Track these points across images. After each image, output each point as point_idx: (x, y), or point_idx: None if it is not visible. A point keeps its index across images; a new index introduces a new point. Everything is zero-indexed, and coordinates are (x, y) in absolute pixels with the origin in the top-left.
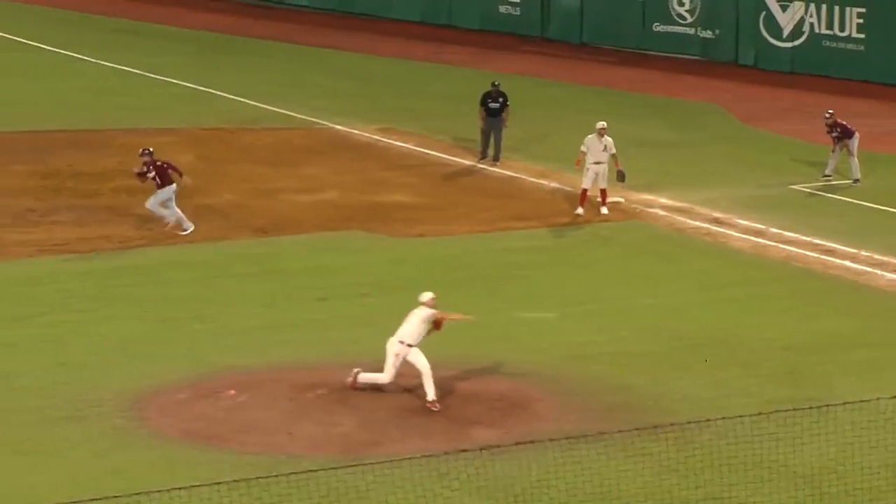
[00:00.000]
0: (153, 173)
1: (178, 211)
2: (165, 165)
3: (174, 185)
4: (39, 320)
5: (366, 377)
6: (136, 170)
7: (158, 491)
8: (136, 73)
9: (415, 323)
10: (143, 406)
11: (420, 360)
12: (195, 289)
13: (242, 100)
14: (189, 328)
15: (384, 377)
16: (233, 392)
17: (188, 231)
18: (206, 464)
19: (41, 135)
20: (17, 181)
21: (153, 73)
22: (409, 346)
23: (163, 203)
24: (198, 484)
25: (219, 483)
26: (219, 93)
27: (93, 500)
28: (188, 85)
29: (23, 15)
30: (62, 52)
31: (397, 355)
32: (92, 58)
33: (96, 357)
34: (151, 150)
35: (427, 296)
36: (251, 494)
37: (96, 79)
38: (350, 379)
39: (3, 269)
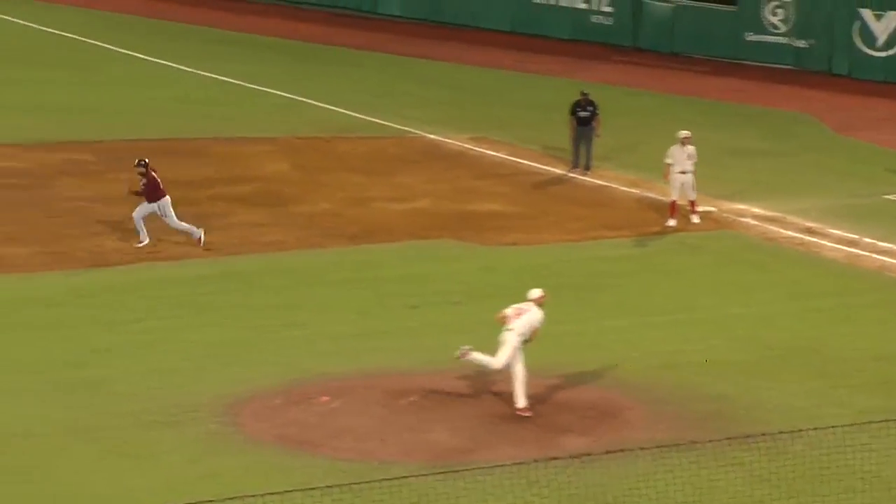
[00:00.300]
0: (144, 182)
1: (181, 223)
2: (158, 181)
3: (167, 198)
4: (135, 326)
5: (477, 357)
6: (130, 187)
7: (252, 495)
8: (232, 82)
9: (526, 321)
10: (238, 411)
11: (519, 364)
12: (288, 296)
13: (336, 109)
14: (282, 335)
15: (497, 363)
16: (326, 398)
17: (197, 237)
18: (300, 469)
19: (140, 143)
20: (118, 189)
21: (249, 83)
22: (525, 343)
23: (152, 215)
24: (291, 489)
25: (312, 488)
26: (313, 102)
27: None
28: (284, 94)
29: (123, 26)
30: (161, 61)
31: (515, 347)
32: (190, 67)
33: (190, 363)
34: (147, 161)
35: (537, 293)
36: (344, 500)
37: (194, 88)
38: (459, 353)
39: (100, 276)
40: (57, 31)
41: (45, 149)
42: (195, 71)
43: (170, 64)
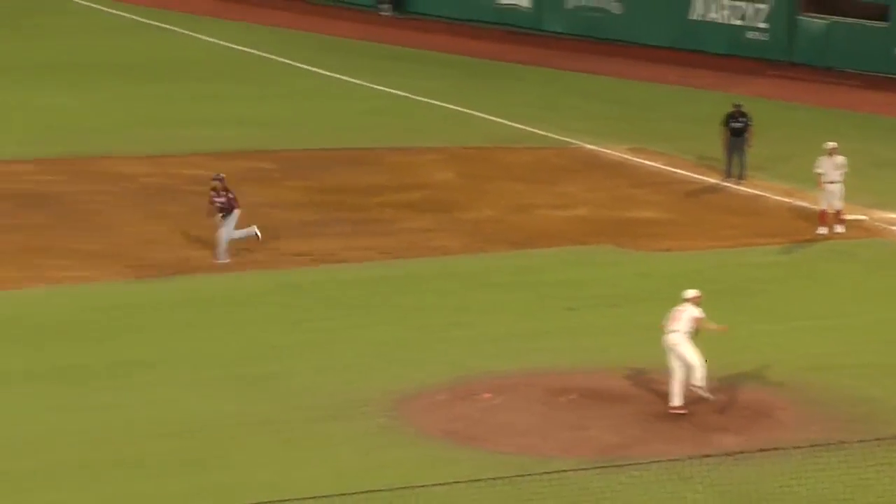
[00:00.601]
0: (222, 198)
1: (225, 241)
2: (233, 196)
3: (237, 212)
4: (308, 325)
5: (697, 376)
6: (213, 198)
7: (420, 486)
8: (404, 95)
9: (685, 320)
10: (406, 406)
11: (679, 364)
12: (454, 298)
13: (502, 121)
14: (448, 334)
15: (697, 365)
16: (489, 395)
17: (221, 262)
18: (465, 461)
19: (317, 153)
20: (296, 195)
21: (420, 96)
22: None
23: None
24: (457, 481)
25: (477, 480)
26: (480, 114)
27: (357, 493)
28: (452, 107)
29: (301, 42)
30: (338, 76)
31: (688, 344)
32: (365, 82)
33: (361, 360)
34: (223, 176)
35: (692, 292)
36: (506, 492)
37: (368, 101)
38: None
39: (278, 277)
40: (243, 48)
41: (230, 157)
42: (370, 85)
43: (346, 78)
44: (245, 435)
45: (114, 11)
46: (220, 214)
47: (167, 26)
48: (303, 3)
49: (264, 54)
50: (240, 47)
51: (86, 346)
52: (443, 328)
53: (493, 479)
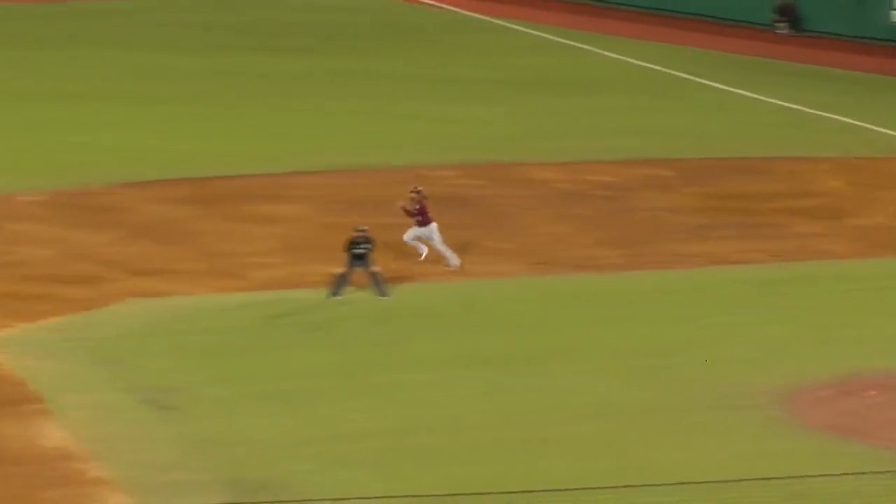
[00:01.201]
0: (417, 210)
1: (445, 248)
2: (426, 208)
3: (434, 224)
4: (704, 321)
5: None
6: (403, 205)
7: (808, 476)
8: (798, 109)
9: None
10: (793, 400)
11: None
12: (842, 299)
13: (893, 133)
14: (836, 334)
15: None
16: (874, 392)
17: (453, 266)
18: (849, 455)
19: (714, 161)
20: (692, 201)
21: (814, 110)
22: None
23: (419, 238)
24: (842, 472)
25: (862, 473)
26: (872, 126)
27: (753, 479)
28: (844, 119)
29: (702, 59)
30: (736, 90)
31: None
32: (761, 96)
33: (753, 355)
34: (421, 189)
35: None
36: (891, 486)
37: (764, 114)
38: None
39: (675, 276)
40: (649, 65)
41: (633, 165)
42: (766, 99)
43: (744, 93)
44: (648, 420)
45: (532, 31)
46: (419, 226)
47: (580, 45)
48: (701, 22)
49: (669, 70)
50: (646, 64)
51: (504, 334)
52: (831, 327)
53: (878, 472)
